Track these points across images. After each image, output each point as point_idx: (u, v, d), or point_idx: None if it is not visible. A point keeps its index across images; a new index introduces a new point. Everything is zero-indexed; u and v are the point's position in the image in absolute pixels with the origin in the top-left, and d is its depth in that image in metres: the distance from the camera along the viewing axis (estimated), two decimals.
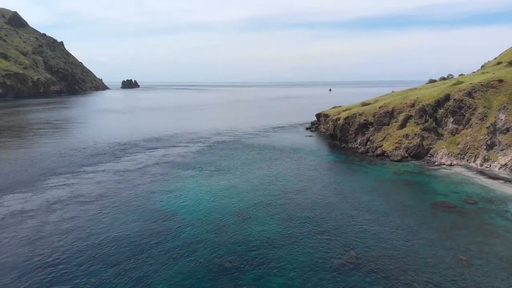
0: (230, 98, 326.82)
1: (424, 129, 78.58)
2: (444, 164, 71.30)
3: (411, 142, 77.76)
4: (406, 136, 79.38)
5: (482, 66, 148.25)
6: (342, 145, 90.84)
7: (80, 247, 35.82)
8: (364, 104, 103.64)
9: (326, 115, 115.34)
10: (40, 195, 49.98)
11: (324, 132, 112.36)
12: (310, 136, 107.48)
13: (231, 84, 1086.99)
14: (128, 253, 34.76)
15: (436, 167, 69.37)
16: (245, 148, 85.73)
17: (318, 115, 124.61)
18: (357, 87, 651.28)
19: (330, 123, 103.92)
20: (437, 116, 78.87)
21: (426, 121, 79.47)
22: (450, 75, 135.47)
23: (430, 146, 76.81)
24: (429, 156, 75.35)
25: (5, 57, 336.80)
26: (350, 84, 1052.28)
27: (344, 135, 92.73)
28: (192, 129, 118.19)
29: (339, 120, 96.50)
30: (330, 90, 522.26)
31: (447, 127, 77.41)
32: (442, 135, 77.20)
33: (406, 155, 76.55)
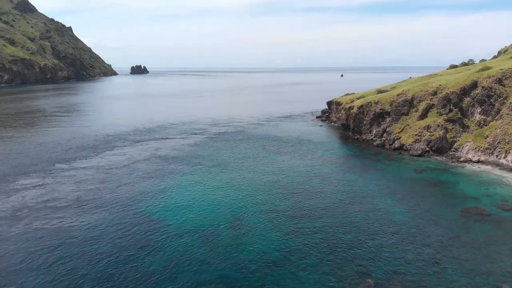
0: (238, 84, 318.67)
1: (447, 120, 70.63)
2: (470, 160, 63.54)
3: (433, 135, 69.97)
4: (428, 127, 71.55)
5: (499, 52, 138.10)
6: (356, 137, 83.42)
7: (40, 268, 29.78)
8: (380, 92, 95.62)
9: (338, 103, 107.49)
10: (5, 199, 43.69)
11: (335, 122, 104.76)
12: (320, 126, 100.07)
13: (241, 70, 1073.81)
14: (97, 277, 28.62)
15: (461, 164, 61.78)
16: (248, 140, 78.88)
17: (329, 103, 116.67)
18: (370, 73, 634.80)
19: (343, 112, 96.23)
20: (463, 105, 70.78)
21: (450, 111, 71.45)
22: (471, 60, 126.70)
23: (455, 139, 68.96)
24: (453, 151, 67.61)
25: (12, 43, 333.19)
26: (362, 69, 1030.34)
27: (357, 125, 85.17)
28: (193, 117, 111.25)
29: (352, 109, 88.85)
30: (342, 75, 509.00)
31: (473, 118, 69.39)
32: (468, 127, 69.23)
33: (427, 149, 68.91)
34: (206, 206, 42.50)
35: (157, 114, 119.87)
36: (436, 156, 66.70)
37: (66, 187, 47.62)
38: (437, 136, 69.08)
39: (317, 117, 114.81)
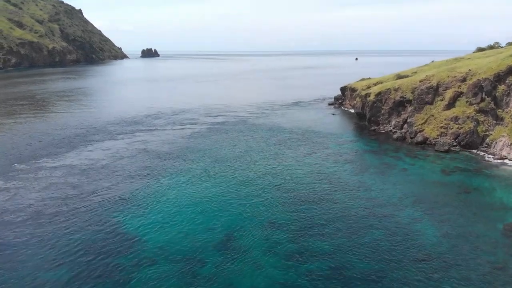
0: (247, 69, 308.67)
1: (479, 111, 61.88)
2: (505, 158, 55.05)
3: (461, 127, 61.41)
4: (455, 119, 62.92)
5: None
6: (372, 128, 75.13)
7: None
8: (399, 77, 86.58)
9: (353, 89, 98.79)
10: None
11: (349, 109, 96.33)
12: (333, 114, 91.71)
13: (254, 53, 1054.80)
14: None
15: (496, 162, 53.48)
16: (251, 132, 71.02)
17: (343, 89, 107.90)
18: (385, 56, 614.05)
19: (358, 99, 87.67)
20: (497, 94, 61.80)
21: (482, 100, 62.57)
22: (497, 43, 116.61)
23: (487, 133, 60.33)
24: (485, 146, 59.07)
25: (20, 25, 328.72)
26: (377, 52, 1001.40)
27: (374, 115, 76.75)
28: (193, 105, 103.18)
29: (369, 96, 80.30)
30: (356, 59, 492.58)
31: (509, 108, 60.49)
32: (502, 119, 60.40)
33: (455, 143, 60.52)
34: (193, 219, 35.48)
35: (155, 101, 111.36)
36: (465, 151, 58.34)
37: (27, 194, 40.15)
38: (467, 129, 60.52)
39: (329, 104, 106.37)
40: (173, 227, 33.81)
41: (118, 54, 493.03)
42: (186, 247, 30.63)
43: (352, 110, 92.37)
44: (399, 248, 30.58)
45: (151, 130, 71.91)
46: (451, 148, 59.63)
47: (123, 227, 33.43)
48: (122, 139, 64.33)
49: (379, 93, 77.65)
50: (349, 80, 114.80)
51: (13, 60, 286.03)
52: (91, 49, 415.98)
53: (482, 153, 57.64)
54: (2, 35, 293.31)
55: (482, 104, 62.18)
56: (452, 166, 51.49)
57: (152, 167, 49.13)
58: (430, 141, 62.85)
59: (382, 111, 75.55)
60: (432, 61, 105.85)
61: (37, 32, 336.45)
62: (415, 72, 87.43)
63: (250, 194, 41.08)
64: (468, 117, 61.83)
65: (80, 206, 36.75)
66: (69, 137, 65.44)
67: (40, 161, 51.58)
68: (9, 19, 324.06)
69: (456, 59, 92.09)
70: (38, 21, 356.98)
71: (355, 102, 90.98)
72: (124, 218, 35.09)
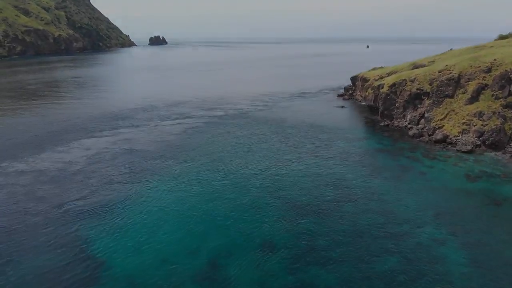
0: (255, 56, 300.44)
1: (506, 106, 55.25)
2: None
3: (486, 124, 54.86)
4: (479, 114, 56.36)
5: None
6: (385, 123, 68.78)
7: None
8: (415, 66, 79.57)
9: (364, 79, 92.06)
10: None
11: (360, 101, 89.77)
12: (342, 107, 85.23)
13: (263, 40, 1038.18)
14: None
15: None
16: (252, 127, 64.90)
17: (353, 79, 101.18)
18: (398, 44, 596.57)
19: (370, 91, 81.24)
20: None
21: (510, 93, 55.84)
22: None
23: None
24: None
25: (26, 13, 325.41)
26: (388, 40, 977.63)
27: (388, 108, 70.35)
28: (191, 95, 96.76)
29: (382, 87, 73.78)
30: (367, 47, 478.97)
31: None
32: None
33: (479, 142, 54.07)
34: (174, 239, 30.09)
35: (149, 92, 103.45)
36: (491, 152, 51.91)
37: None
38: (492, 127, 53.95)
39: (338, 96, 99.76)
40: (149, 249, 28.53)
41: (125, 42, 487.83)
42: (160, 276, 25.36)
43: (363, 103, 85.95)
44: (420, 282, 24.91)
45: (138, 126, 65.56)
46: (475, 147, 53.27)
47: (89, 249, 28.19)
48: (105, 136, 57.94)
49: (393, 84, 71.09)
50: (360, 69, 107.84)
51: (19, 48, 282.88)
52: (98, 36, 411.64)
53: (510, 154, 51.16)
54: (8, 23, 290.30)
55: (510, 98, 55.47)
56: (477, 170, 45.20)
57: (134, 172, 43.45)
58: (450, 139, 56.44)
59: (397, 104, 69.09)
60: (451, 49, 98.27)
61: (43, 20, 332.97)
62: (433, 61, 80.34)
63: (244, 206, 35.54)
64: (494, 113, 55.21)
65: (40, 223, 31.34)
66: (44, 135, 58.74)
67: (3, 165, 45.28)
68: (15, 6, 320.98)
69: (478, 47, 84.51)
70: (44, 8, 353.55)
71: (366, 93, 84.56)
72: (92, 237, 29.81)
